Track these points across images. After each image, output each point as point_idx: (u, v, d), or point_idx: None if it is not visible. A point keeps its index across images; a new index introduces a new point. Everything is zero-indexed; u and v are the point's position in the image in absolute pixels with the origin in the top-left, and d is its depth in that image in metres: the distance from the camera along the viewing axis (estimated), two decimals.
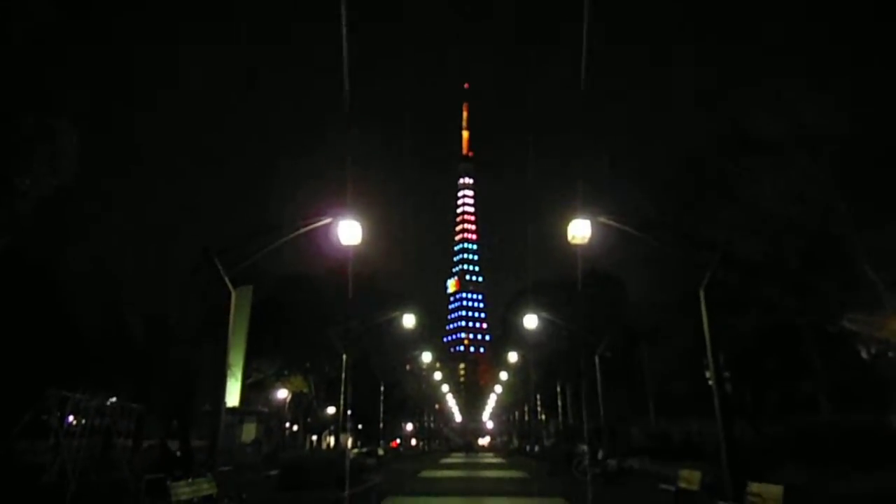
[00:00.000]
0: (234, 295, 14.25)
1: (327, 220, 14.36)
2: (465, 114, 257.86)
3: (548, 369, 45.68)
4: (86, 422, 16.49)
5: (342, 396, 27.63)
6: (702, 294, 13.76)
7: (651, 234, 15.46)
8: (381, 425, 48.23)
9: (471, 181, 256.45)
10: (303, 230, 14.34)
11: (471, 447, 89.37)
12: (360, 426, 56.11)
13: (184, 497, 12.05)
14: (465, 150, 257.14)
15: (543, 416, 56.93)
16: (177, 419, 28.45)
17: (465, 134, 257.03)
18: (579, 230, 14.24)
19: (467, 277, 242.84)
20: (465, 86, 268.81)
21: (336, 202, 14.50)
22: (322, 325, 34.90)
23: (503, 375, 68.35)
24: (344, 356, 24.76)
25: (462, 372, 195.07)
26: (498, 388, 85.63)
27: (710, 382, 13.98)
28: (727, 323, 20.00)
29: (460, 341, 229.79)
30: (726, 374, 21.57)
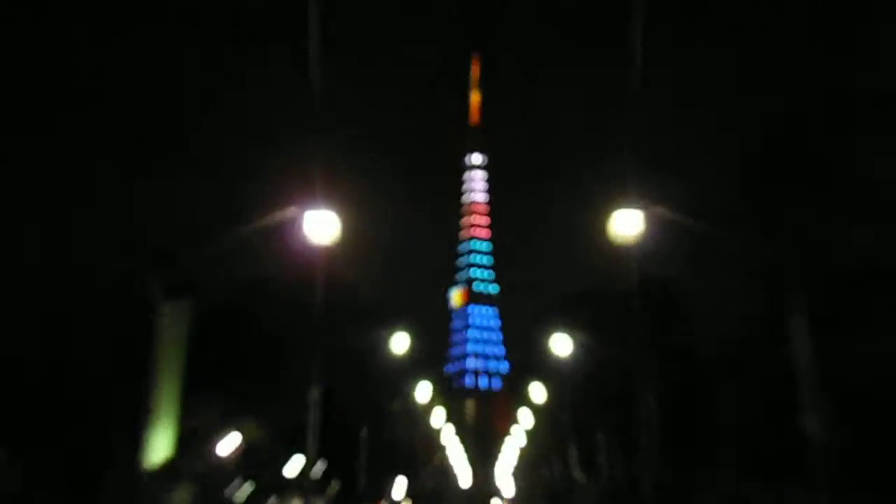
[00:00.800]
0: (167, 312, 14.23)
1: (293, 212, 14.37)
2: (474, 68, 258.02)
3: (584, 414, 45.58)
4: None
5: (310, 445, 27.61)
6: (786, 311, 13.71)
7: (727, 231, 15.43)
8: (364, 483, 48.25)
9: (481, 159, 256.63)
10: (260, 225, 14.34)
11: None
12: (333, 483, 56.01)
13: None
14: (473, 118, 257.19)
15: (579, 475, 56.85)
16: (78, 484, 28.34)
17: (475, 96, 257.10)
18: (627, 225, 14.23)
19: (476, 287, 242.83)
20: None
21: (305, 190, 14.54)
22: (286, 349, 34.87)
23: (525, 418, 68.42)
24: (315, 392, 24.77)
25: (470, 411, 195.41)
26: (518, 435, 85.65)
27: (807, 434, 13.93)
28: (835, 348, 19.88)
29: (468, 371, 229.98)
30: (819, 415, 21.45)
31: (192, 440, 35.94)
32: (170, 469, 31.82)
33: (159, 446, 26.81)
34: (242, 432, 38.40)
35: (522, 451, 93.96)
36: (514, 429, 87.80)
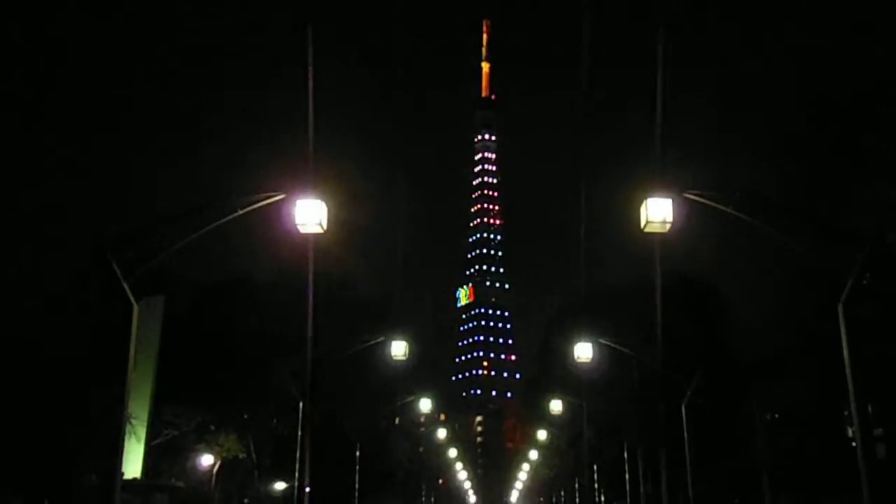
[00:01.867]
0: (136, 311, 14.52)
1: (279, 197, 14.66)
2: (485, 37, 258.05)
3: (609, 425, 45.84)
4: None
5: (297, 465, 27.87)
6: (840, 310, 13.94)
7: (767, 220, 15.55)
8: None
9: (493, 138, 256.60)
10: (242, 211, 14.62)
11: None
12: None
13: None
14: (484, 91, 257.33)
15: (602, 497, 57.16)
16: (48, 499, 28.82)
17: (486, 67, 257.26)
18: (658, 212, 14.49)
19: (487, 283, 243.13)
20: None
21: (294, 174, 14.82)
22: (269, 355, 35.18)
23: (541, 434, 68.61)
24: (301, 405, 25.04)
25: (479, 427, 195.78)
26: (533, 454, 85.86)
27: (854, 443, 14.20)
28: (884, 355, 20.14)
29: (476, 381, 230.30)
30: (878, 430, 21.72)
31: (168, 452, 36.46)
32: (144, 483, 32.35)
33: (133, 458, 27.41)
34: (221, 447, 38.86)
35: (536, 469, 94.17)
36: (529, 451, 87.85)
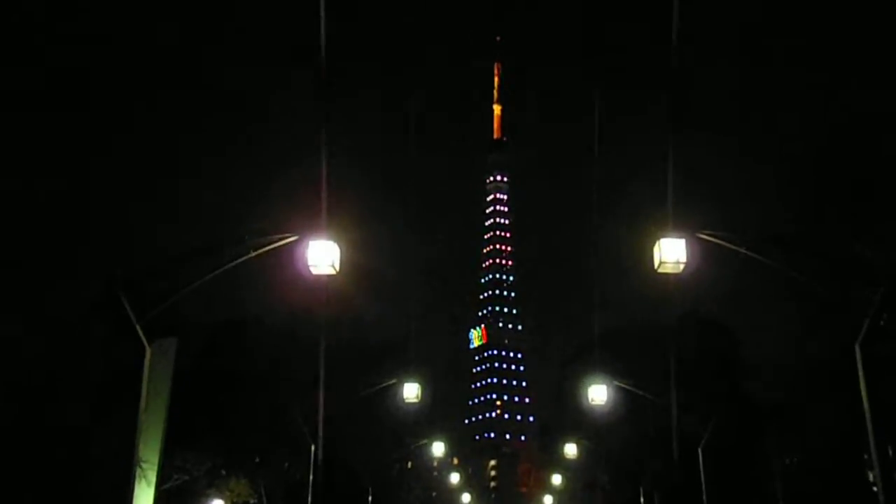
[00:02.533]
0: (148, 353, 14.55)
1: (291, 239, 14.73)
2: (496, 80, 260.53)
3: (624, 469, 45.37)
4: None
5: None
6: (858, 351, 13.84)
7: (782, 259, 15.55)
8: None
9: (504, 179, 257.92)
10: (255, 253, 14.70)
11: None
12: None
13: None
14: (495, 133, 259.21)
15: None
16: None
17: (497, 109, 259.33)
18: (671, 253, 14.46)
19: (500, 324, 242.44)
20: (497, 39, 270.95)
21: (306, 216, 14.89)
22: (281, 398, 35.07)
23: (556, 479, 68.00)
24: (313, 448, 24.93)
25: (493, 472, 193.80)
26: (548, 500, 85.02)
27: (875, 487, 13.99)
28: None
29: (490, 423, 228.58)
30: None
31: (178, 496, 36.22)
32: None
33: (143, 501, 27.04)
34: (232, 492, 38.62)
35: None
36: (544, 497, 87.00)
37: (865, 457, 23.86)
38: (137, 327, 14.24)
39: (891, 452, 14.70)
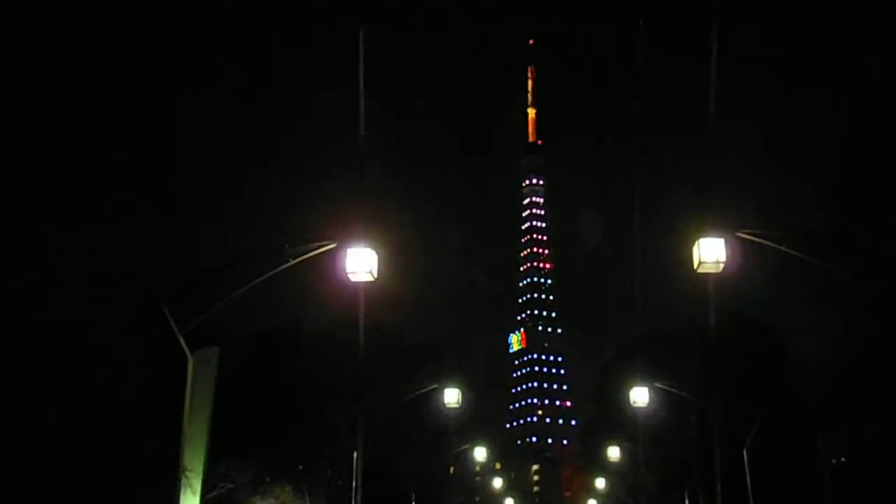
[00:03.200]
0: (191, 362, 14.74)
1: (331, 246, 14.86)
2: (530, 83, 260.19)
3: (668, 471, 44.97)
4: None
5: None
6: None
7: (826, 257, 15.37)
8: None
9: (541, 182, 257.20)
10: (295, 261, 14.86)
11: None
12: None
13: None
14: (531, 137, 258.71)
15: None
16: None
17: (532, 112, 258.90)
18: (710, 252, 14.37)
19: (539, 328, 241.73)
20: (531, 42, 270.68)
21: (344, 223, 15.00)
22: (323, 404, 35.26)
23: (600, 483, 67.58)
24: (354, 454, 25.05)
25: (536, 476, 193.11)
26: (592, 503, 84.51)
27: None
28: None
29: (531, 428, 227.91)
30: None
31: None
32: None
33: None
34: (276, 499, 38.90)
35: None
36: (588, 501, 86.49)
37: None
38: (180, 338, 14.44)
39: None
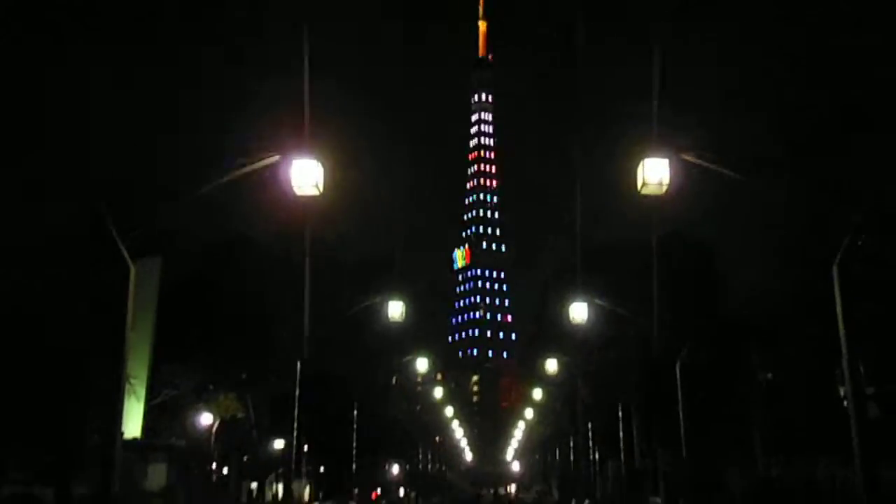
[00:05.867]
0: (133, 272, 14.48)
1: (274, 158, 14.52)
2: None
3: (604, 384, 46.17)
4: None
5: (295, 423, 28.08)
6: (835, 272, 13.94)
7: (763, 179, 15.54)
8: (355, 467, 49.08)
9: (489, 99, 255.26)
10: (239, 172, 14.52)
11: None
12: (322, 468, 56.84)
13: None
14: (480, 51, 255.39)
15: (597, 456, 57.70)
16: (50, 455, 29.02)
17: (482, 26, 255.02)
18: (654, 173, 14.36)
19: (483, 245, 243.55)
20: None
21: (288, 134, 14.63)
22: (266, 315, 35.22)
23: (537, 394, 69.07)
24: (298, 363, 25.12)
25: (475, 388, 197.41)
26: (529, 413, 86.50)
27: (846, 403, 14.27)
28: (878, 316, 20.20)
29: (473, 341, 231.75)
30: (870, 389, 21.87)
31: (167, 411, 36.71)
32: (144, 442, 32.63)
33: (133, 417, 27.48)
34: (219, 406, 39.10)
35: (531, 429, 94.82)
36: (525, 409, 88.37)
37: (837, 372, 24.29)
38: (122, 247, 14.11)
39: (862, 369, 15.00)
